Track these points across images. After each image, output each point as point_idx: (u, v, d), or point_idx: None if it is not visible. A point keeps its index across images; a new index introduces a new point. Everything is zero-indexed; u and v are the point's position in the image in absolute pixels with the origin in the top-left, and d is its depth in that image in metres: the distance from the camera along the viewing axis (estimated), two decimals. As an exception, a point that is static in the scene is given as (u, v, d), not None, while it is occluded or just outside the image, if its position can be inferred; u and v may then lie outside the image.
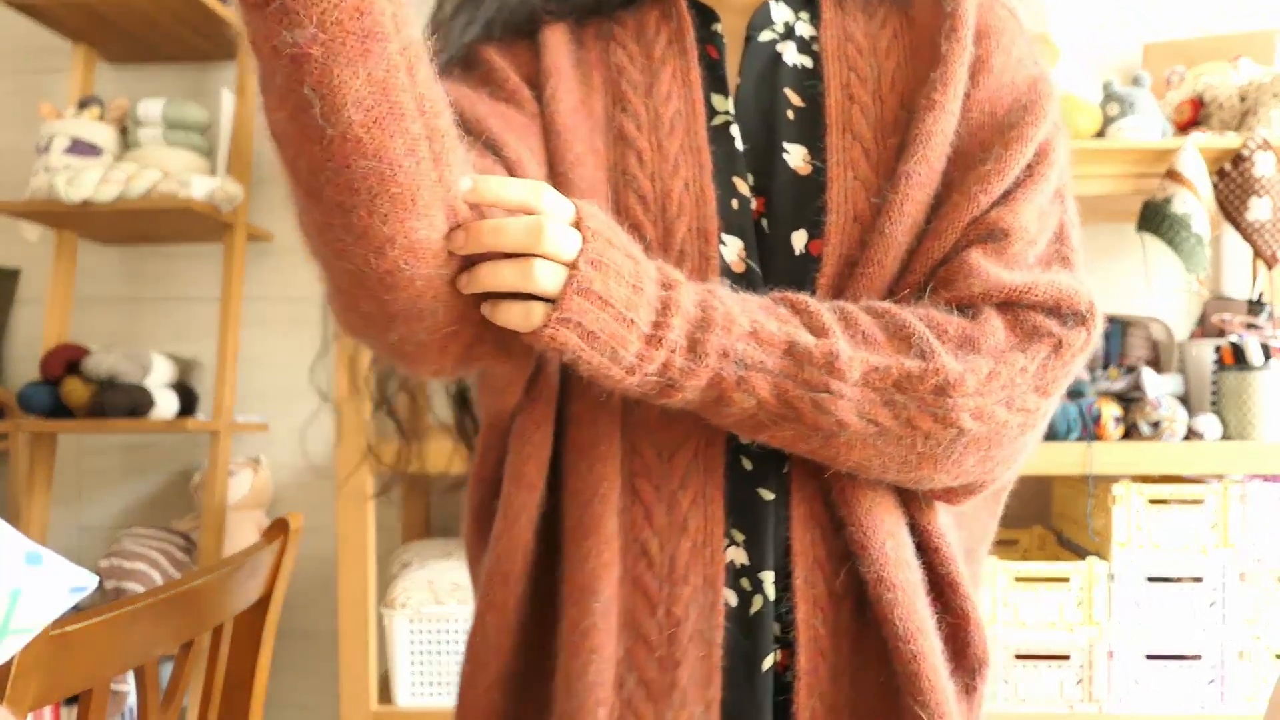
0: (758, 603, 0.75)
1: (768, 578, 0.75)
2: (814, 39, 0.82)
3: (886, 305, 0.72)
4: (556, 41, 0.82)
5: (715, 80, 0.81)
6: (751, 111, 0.80)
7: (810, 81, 0.80)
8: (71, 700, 1.71)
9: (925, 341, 0.70)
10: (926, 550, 0.77)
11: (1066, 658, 1.71)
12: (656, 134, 0.78)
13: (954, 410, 0.69)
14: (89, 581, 0.67)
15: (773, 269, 0.77)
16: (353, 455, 1.82)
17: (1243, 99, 1.86)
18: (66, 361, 1.99)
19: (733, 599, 0.75)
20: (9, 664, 0.70)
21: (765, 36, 0.83)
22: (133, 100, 2.05)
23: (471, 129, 0.75)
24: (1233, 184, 1.81)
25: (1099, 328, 0.74)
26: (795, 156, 0.78)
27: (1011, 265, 0.74)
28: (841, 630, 0.75)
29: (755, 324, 0.68)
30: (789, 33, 0.83)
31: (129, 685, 1.75)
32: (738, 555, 0.76)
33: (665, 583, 0.74)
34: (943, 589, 0.77)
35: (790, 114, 0.79)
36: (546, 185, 0.65)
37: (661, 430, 0.75)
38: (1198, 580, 1.71)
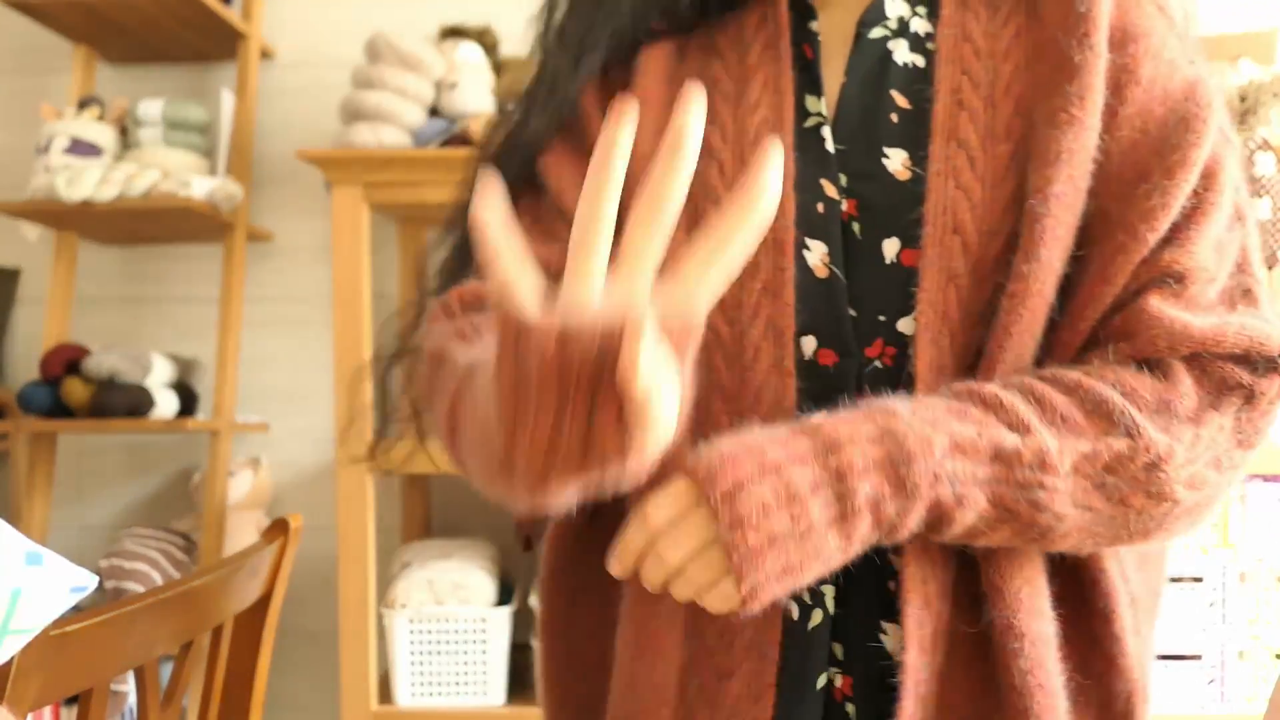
0: (816, 617, 0.72)
1: (828, 591, 0.72)
2: (929, 36, 0.77)
3: (1077, 377, 0.67)
4: (652, 65, 0.79)
5: (809, 81, 0.77)
6: (854, 112, 0.76)
7: (919, 85, 0.75)
8: (71, 700, 1.71)
9: (1128, 417, 0.66)
10: (1084, 584, 0.72)
11: (1066, 658, 1.71)
12: (740, 145, 0.75)
13: (1166, 484, 0.66)
14: (89, 581, 0.67)
15: (859, 275, 0.73)
16: (353, 454, 1.82)
17: (1243, 99, 1.86)
18: (66, 361, 1.99)
19: (794, 612, 0.73)
20: (9, 664, 0.70)
21: (876, 33, 0.78)
22: (133, 100, 2.05)
23: (554, 202, 0.77)
24: (1233, 184, 1.81)
25: None
26: (895, 161, 0.73)
27: (1193, 308, 0.69)
28: (943, 677, 0.71)
29: (953, 436, 0.64)
30: (902, 29, 0.78)
31: (129, 685, 1.75)
32: None
33: None
34: (1093, 647, 0.72)
35: (894, 117, 0.75)
36: (646, 512, 0.63)
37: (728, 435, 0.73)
38: (1198, 580, 1.71)
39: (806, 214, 0.73)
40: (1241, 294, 0.72)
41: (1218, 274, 0.71)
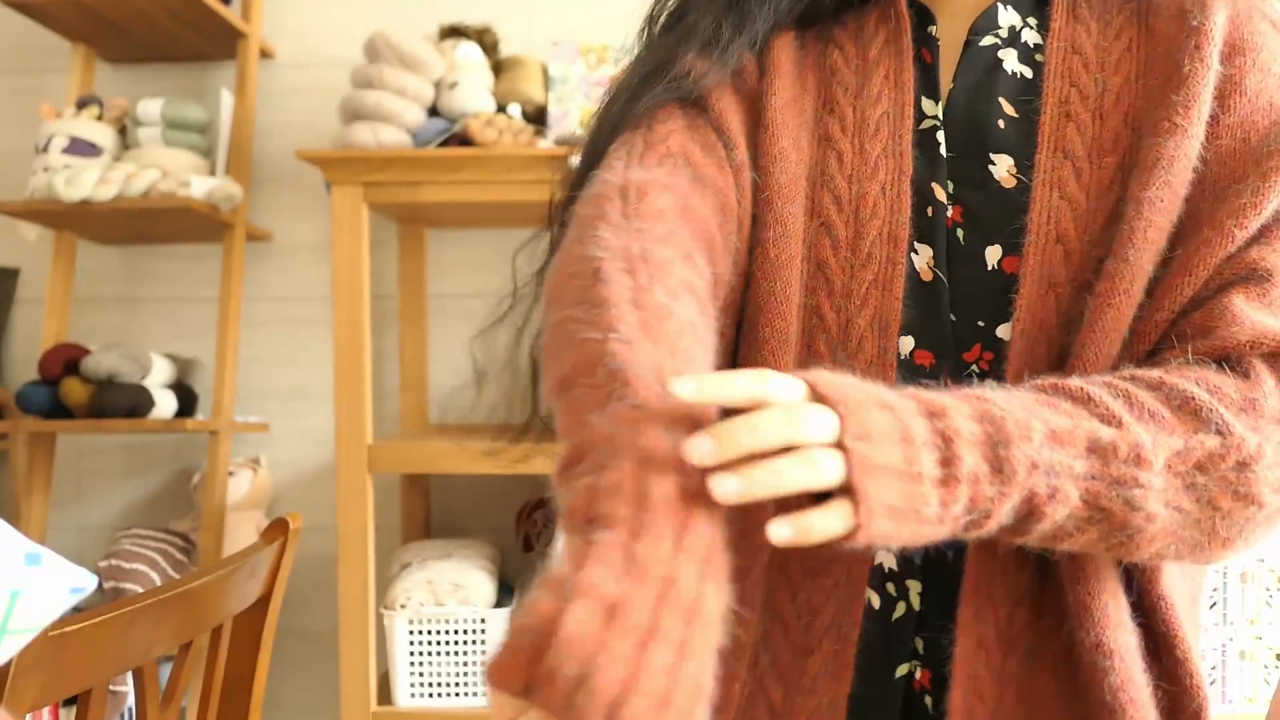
0: (900, 609, 0.74)
1: (914, 587, 0.74)
2: (1038, 48, 0.78)
3: (1158, 375, 0.66)
4: (785, 44, 0.82)
5: (928, 84, 0.79)
6: (961, 118, 0.78)
7: (1027, 96, 0.77)
8: (71, 701, 1.71)
9: (1216, 414, 0.64)
10: (1143, 609, 0.71)
11: (1067, 658, 1.71)
12: (860, 137, 0.77)
13: (1255, 485, 0.65)
14: (88, 582, 0.67)
15: (960, 280, 0.75)
16: (353, 454, 1.82)
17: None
18: (65, 361, 1.98)
19: (875, 600, 0.74)
20: (8, 664, 0.70)
21: (986, 41, 0.79)
22: (132, 100, 2.05)
23: (715, 118, 0.78)
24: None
25: None
26: (1001, 168, 0.75)
27: (1275, 308, 0.69)
28: (1007, 677, 0.70)
29: (1048, 424, 0.61)
30: (1013, 39, 0.79)
31: (128, 686, 1.75)
32: (887, 559, 0.75)
33: (808, 574, 0.74)
34: (1160, 652, 0.72)
35: (1001, 124, 0.76)
36: (768, 372, 0.58)
37: None
38: (1198, 580, 1.71)
39: (918, 216, 0.75)
40: None
41: None
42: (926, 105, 0.79)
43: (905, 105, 0.77)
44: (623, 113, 0.80)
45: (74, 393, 1.94)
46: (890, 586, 0.74)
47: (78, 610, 0.95)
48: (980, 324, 0.74)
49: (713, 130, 0.78)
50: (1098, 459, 0.62)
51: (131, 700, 1.77)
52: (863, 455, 0.56)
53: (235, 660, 1.05)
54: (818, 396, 0.58)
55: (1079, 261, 0.71)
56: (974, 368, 0.74)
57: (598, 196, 0.72)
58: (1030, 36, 0.79)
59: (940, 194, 0.76)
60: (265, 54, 2.20)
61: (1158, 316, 0.70)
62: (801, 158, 0.77)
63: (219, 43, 2.14)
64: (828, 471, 0.56)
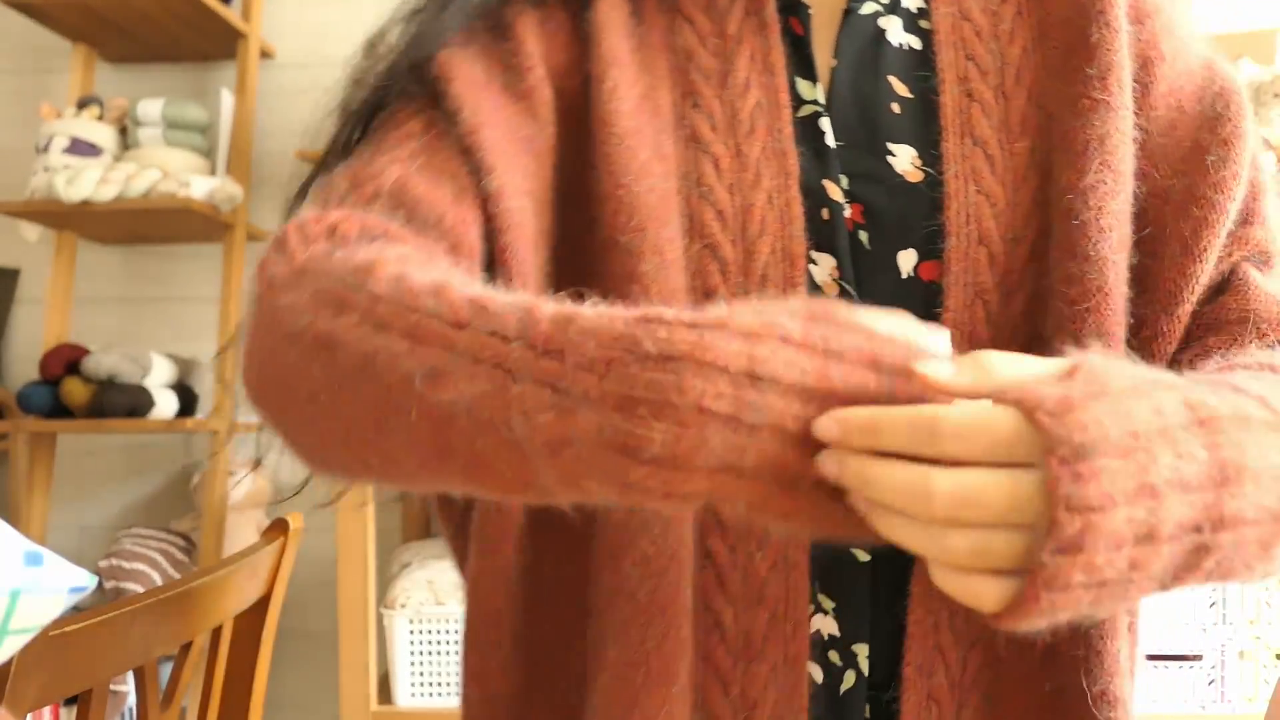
0: (849, 679, 0.65)
1: (862, 651, 0.65)
2: (923, 13, 0.69)
3: (1268, 357, 0.57)
4: (613, 19, 0.67)
5: (801, 62, 0.68)
6: (848, 101, 0.67)
7: (921, 72, 0.67)
8: (71, 700, 1.71)
9: None
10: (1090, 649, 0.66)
11: (1067, 658, 1.71)
12: (734, 136, 0.65)
13: None
14: (89, 581, 0.67)
15: (871, 291, 0.64)
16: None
17: (1243, 99, 1.85)
18: (66, 361, 1.99)
19: (818, 674, 0.65)
20: (8, 664, 0.70)
21: (867, 9, 0.69)
22: (132, 100, 2.06)
23: (464, 134, 0.62)
24: (1233, 184, 1.81)
25: None
26: (903, 160, 0.65)
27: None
28: None
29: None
30: (894, 5, 0.70)
31: (129, 685, 1.75)
32: (826, 625, 0.65)
33: (740, 660, 0.63)
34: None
35: (896, 107, 0.66)
36: (991, 354, 0.46)
37: None
38: (1198, 580, 1.71)
39: (812, 222, 0.65)
40: None
41: None
42: (803, 88, 0.67)
43: (779, 92, 0.66)
44: (350, 127, 0.69)
45: (74, 393, 1.94)
46: (834, 655, 0.65)
47: (78, 610, 0.96)
48: None
49: (458, 151, 0.62)
50: None
51: (132, 700, 1.77)
52: (1066, 480, 0.40)
53: (235, 660, 1.05)
54: (1032, 407, 0.41)
55: (1004, 263, 0.64)
56: None
57: (262, 261, 0.59)
58: (911, 1, 0.70)
59: (834, 192, 0.65)
60: (265, 54, 2.20)
61: (1176, 310, 0.63)
62: (668, 168, 0.64)
63: (219, 43, 2.14)
64: (1002, 560, 0.42)
